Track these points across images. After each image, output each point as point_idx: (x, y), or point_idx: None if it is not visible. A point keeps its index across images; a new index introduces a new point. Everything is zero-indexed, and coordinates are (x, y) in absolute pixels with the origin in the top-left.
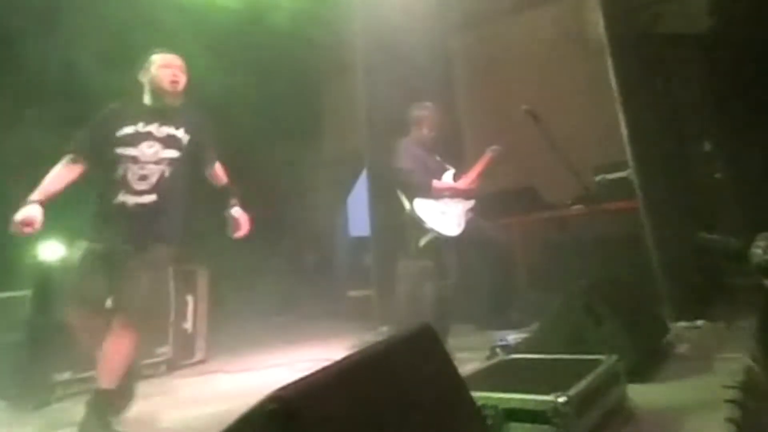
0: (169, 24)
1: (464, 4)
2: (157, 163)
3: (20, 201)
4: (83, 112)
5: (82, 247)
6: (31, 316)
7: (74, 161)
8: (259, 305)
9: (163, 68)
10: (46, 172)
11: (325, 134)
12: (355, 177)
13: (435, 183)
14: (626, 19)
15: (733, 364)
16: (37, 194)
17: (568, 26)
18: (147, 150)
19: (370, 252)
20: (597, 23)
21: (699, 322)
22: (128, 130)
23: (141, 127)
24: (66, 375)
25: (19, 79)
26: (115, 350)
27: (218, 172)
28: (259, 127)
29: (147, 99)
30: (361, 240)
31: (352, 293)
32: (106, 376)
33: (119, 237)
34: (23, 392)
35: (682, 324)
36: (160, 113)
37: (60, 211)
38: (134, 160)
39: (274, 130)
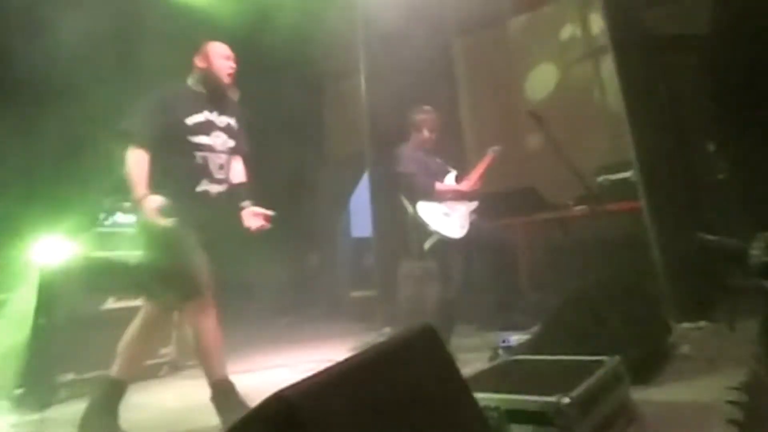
0: (171, 27)
1: (466, 6)
2: (226, 152)
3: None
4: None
5: (170, 226)
6: (35, 317)
7: (139, 149)
8: (261, 306)
9: (224, 59)
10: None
11: (327, 136)
12: (357, 178)
13: (437, 185)
14: (629, 20)
15: (736, 365)
16: (145, 189)
17: (570, 28)
18: (217, 139)
19: (373, 253)
20: (599, 25)
21: (702, 323)
22: (199, 118)
23: (207, 115)
24: (70, 376)
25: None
26: (217, 337)
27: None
28: (262, 129)
29: (200, 86)
30: (363, 241)
31: (355, 294)
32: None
33: (203, 224)
34: (27, 393)
35: (685, 325)
36: (218, 102)
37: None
38: (211, 148)
39: (277, 132)
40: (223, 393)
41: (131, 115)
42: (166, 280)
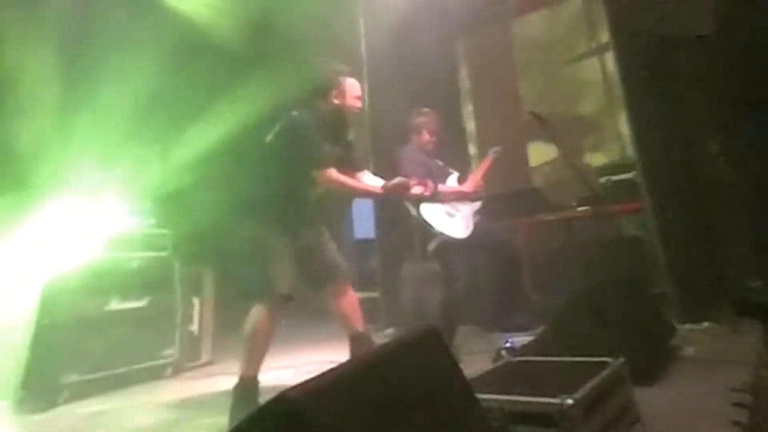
0: (174, 27)
1: (470, 7)
2: None
3: None
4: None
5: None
6: (39, 318)
7: (332, 167)
8: None
9: (357, 100)
10: None
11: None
12: None
13: (440, 187)
14: (631, 20)
15: (740, 366)
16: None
17: (573, 28)
18: None
19: (376, 254)
20: (603, 24)
21: (705, 324)
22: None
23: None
24: (73, 377)
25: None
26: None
27: None
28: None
29: (327, 116)
30: (366, 243)
31: (358, 295)
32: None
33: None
34: (30, 394)
35: (689, 326)
36: (336, 135)
37: None
38: None
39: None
40: (245, 389)
41: (310, 141)
42: (258, 278)
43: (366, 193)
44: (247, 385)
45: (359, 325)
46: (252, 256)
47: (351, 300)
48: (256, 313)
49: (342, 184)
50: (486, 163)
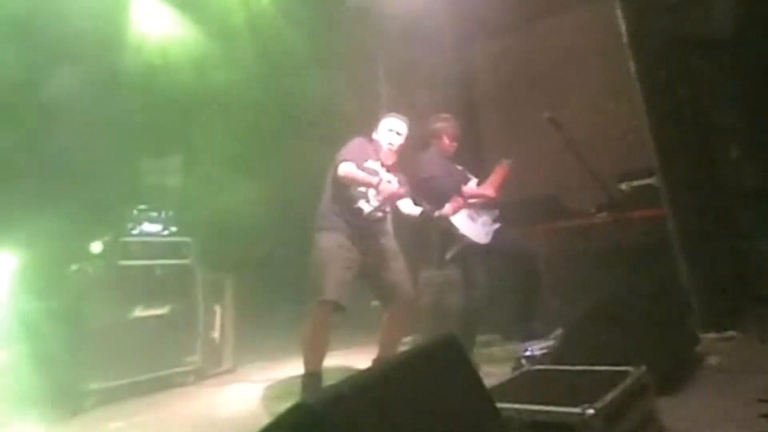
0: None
1: (485, 13)
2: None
3: None
4: None
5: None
6: (63, 326)
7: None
8: (284, 314)
9: (388, 132)
10: None
11: (346, 143)
12: None
13: (464, 189)
14: (650, 25)
15: (766, 376)
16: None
17: (591, 33)
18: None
19: None
20: (620, 29)
21: (730, 333)
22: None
23: (372, 163)
24: (97, 384)
25: None
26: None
27: None
28: (283, 137)
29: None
30: None
31: (376, 303)
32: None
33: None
34: (56, 401)
35: (713, 335)
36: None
37: None
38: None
39: (297, 138)
40: (309, 380)
41: (343, 149)
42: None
43: (368, 185)
44: (310, 377)
45: (384, 355)
46: (311, 264)
47: (393, 331)
48: (312, 315)
49: (348, 175)
50: (500, 172)
